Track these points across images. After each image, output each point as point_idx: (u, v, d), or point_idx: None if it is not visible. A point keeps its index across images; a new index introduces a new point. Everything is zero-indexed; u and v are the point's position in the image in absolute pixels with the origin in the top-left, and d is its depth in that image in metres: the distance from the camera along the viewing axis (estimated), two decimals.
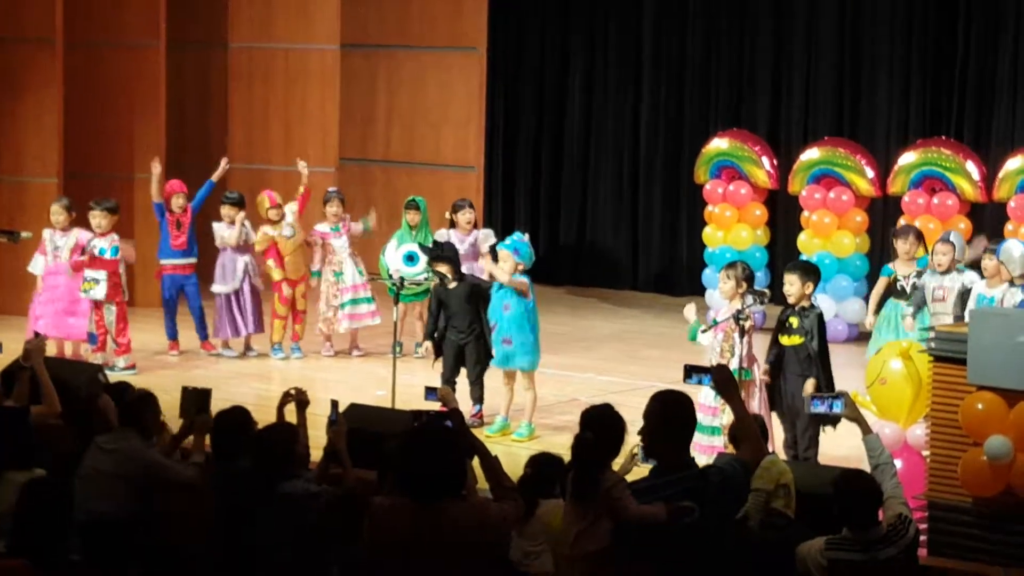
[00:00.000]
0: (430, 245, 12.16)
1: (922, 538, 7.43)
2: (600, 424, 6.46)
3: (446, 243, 12.22)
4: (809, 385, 9.68)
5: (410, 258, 13.62)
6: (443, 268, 11.57)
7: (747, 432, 6.41)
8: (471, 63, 17.62)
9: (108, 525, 7.38)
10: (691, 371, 7.19)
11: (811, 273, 10.00)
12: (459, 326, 11.47)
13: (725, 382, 6.50)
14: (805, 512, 7.32)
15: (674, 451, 6.14)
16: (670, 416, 6.15)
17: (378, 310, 13.95)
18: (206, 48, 17.54)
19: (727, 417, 9.73)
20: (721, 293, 10.29)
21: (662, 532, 5.95)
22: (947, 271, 11.48)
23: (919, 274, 11.87)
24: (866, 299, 14.55)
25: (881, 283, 12.57)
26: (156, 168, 13.83)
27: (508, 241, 11.43)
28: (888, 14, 16.54)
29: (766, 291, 10.28)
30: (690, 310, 10.20)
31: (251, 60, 17.65)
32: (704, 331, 10.00)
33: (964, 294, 11.22)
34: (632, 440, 6.53)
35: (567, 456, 6.42)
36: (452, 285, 11.53)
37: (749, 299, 9.85)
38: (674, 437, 6.15)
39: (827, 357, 9.80)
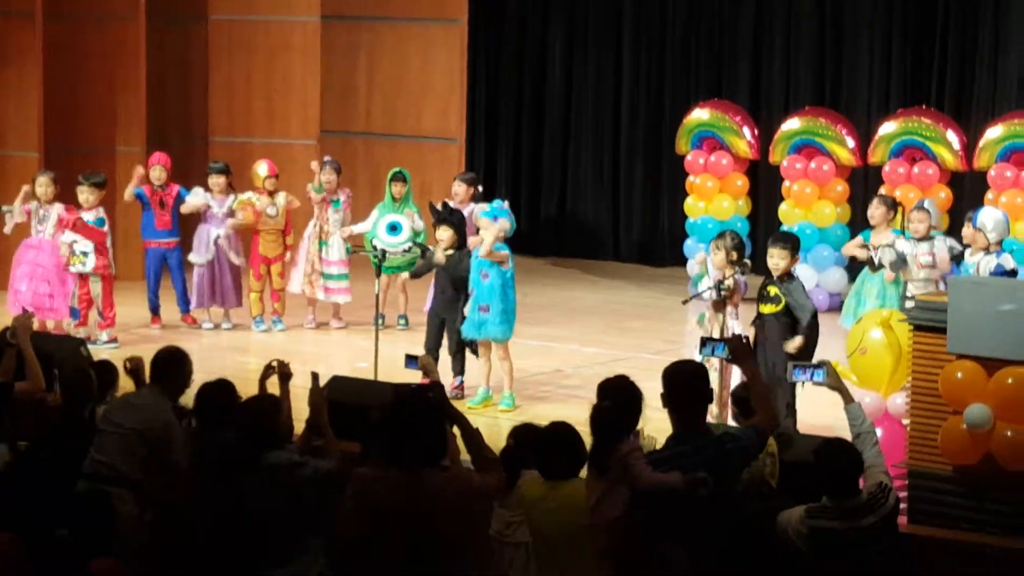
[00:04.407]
0: (439, 209, 12.10)
1: (902, 506, 7.49)
2: (617, 394, 6.54)
3: (456, 210, 12.22)
4: (796, 341, 9.69)
5: (392, 228, 13.60)
6: (445, 232, 11.54)
7: (762, 400, 6.55)
8: (452, 35, 17.57)
9: (107, 481, 7.41)
10: (705, 342, 7.37)
11: (797, 246, 10.06)
12: (445, 297, 11.49)
13: (740, 350, 6.74)
14: (786, 481, 7.36)
15: (690, 420, 6.31)
16: (691, 388, 6.31)
17: (349, 288, 13.91)
18: (187, 21, 17.47)
19: (717, 386, 9.83)
20: (712, 263, 10.32)
21: (677, 500, 6.05)
22: (924, 238, 11.50)
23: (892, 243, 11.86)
24: (847, 268, 14.63)
25: (857, 239, 12.63)
26: (139, 171, 13.75)
27: (488, 209, 11.45)
28: None
29: (747, 261, 10.32)
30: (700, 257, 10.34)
31: (232, 33, 17.58)
32: (685, 302, 10.09)
33: (957, 258, 11.24)
34: (651, 414, 6.61)
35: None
36: (439, 254, 11.49)
37: (729, 269, 9.90)
38: (689, 407, 6.33)
39: (816, 320, 9.81)
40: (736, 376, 9.74)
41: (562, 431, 6.50)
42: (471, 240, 11.77)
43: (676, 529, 6.16)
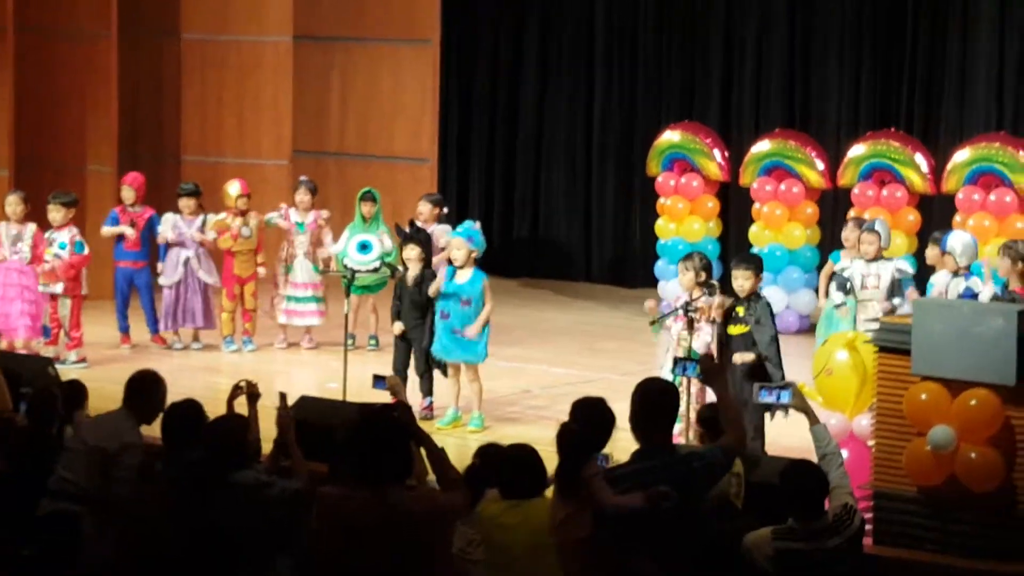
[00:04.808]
0: (407, 229, 12.17)
1: (868, 527, 7.52)
2: (587, 415, 6.56)
3: (422, 229, 12.26)
4: (746, 356, 9.75)
5: (363, 247, 13.62)
6: (412, 251, 11.57)
7: (731, 419, 6.57)
8: (424, 55, 17.62)
9: (71, 499, 7.40)
10: (677, 362, 7.38)
11: (761, 267, 10.15)
12: (411, 317, 11.51)
13: (711, 370, 6.80)
14: (753, 502, 7.39)
15: (657, 437, 6.31)
16: (654, 403, 6.32)
17: (324, 310, 13.91)
18: (159, 39, 17.49)
19: (682, 404, 9.87)
20: (680, 285, 10.37)
21: (641, 519, 6.06)
22: (874, 259, 11.55)
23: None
24: (816, 290, 14.68)
25: (828, 267, 12.69)
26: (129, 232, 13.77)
27: (460, 229, 11.47)
28: (838, 6, 16.65)
29: (715, 283, 10.37)
30: (651, 304, 10.35)
31: (204, 51, 17.60)
32: (653, 323, 10.12)
33: (895, 282, 11.30)
34: (621, 436, 6.62)
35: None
36: (411, 274, 11.52)
37: (697, 291, 9.95)
38: (657, 424, 6.33)
39: (777, 343, 9.88)
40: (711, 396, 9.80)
41: (522, 453, 6.52)
42: (435, 259, 11.79)
43: (643, 547, 6.17)
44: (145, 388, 7.87)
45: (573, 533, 6.17)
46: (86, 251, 13.11)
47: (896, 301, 11.06)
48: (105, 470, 7.62)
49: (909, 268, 11.70)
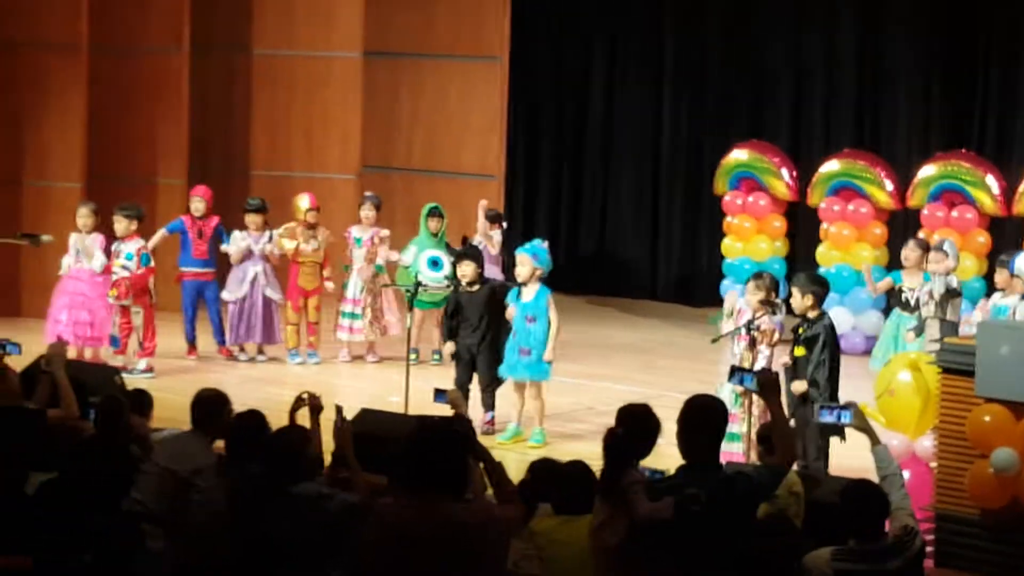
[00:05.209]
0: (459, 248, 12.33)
1: (928, 549, 7.47)
2: (633, 422, 6.55)
3: (473, 245, 12.36)
4: (797, 386, 9.72)
5: (434, 263, 13.68)
6: (467, 267, 11.63)
7: (783, 437, 6.53)
8: (493, 72, 17.67)
9: (143, 520, 7.45)
10: (735, 371, 7.37)
11: (812, 284, 10.07)
12: (474, 331, 11.54)
13: (768, 384, 6.74)
14: (812, 522, 7.35)
15: (701, 453, 6.27)
16: (701, 419, 6.30)
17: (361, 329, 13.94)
18: (229, 53, 17.63)
19: (745, 425, 9.85)
20: (747, 303, 10.34)
21: (672, 529, 6.04)
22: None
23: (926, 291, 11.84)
24: (884, 311, 14.59)
25: (887, 281, 12.65)
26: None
27: (528, 246, 11.49)
28: (908, 26, 16.56)
29: (778, 302, 10.33)
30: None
31: (274, 66, 17.72)
32: (715, 340, 10.14)
33: (945, 295, 11.22)
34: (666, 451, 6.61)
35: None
36: (474, 288, 11.58)
37: (760, 310, 9.93)
38: (704, 440, 6.29)
39: (835, 367, 9.81)
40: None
41: (575, 469, 6.52)
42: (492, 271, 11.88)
43: (672, 558, 6.16)
44: (213, 408, 7.88)
45: (607, 539, 6.17)
46: (152, 263, 13.24)
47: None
48: (176, 493, 7.62)
49: (954, 282, 11.57)
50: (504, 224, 14.21)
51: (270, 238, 13.85)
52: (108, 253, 13.24)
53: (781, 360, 10.00)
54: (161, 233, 13.97)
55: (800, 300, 9.91)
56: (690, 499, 6.02)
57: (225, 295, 13.90)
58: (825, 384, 9.76)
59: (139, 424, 8.30)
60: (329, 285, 13.95)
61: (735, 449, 9.75)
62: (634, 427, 6.49)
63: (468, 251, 12.03)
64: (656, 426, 6.58)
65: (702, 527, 6.06)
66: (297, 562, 6.88)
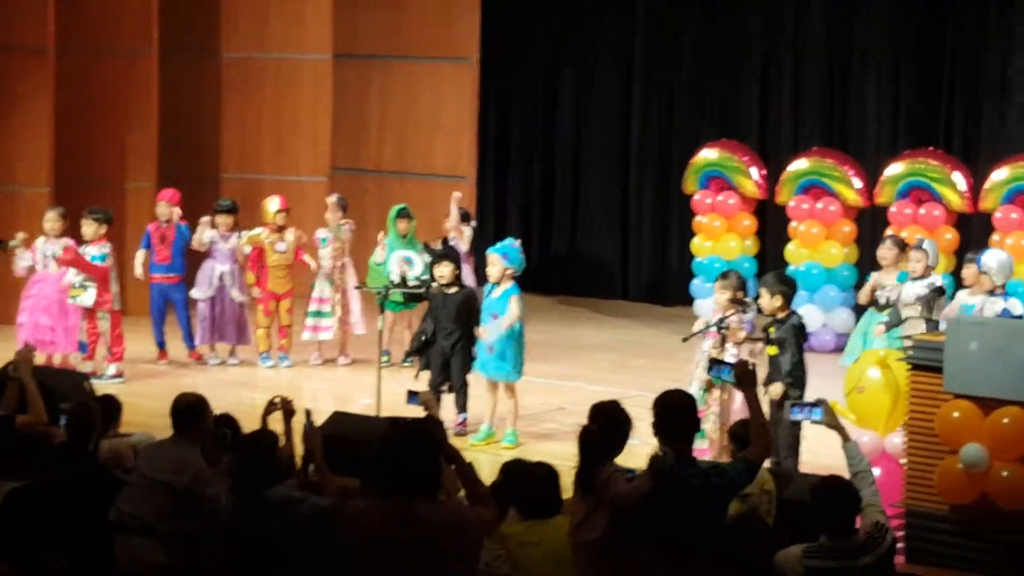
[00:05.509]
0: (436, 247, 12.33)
1: (899, 546, 7.50)
2: (606, 419, 6.59)
3: (452, 247, 12.36)
4: (775, 388, 9.75)
5: (407, 262, 13.67)
6: (445, 268, 11.62)
7: (757, 431, 6.57)
8: (463, 73, 17.69)
9: (140, 533, 7.39)
10: (713, 363, 7.46)
11: (780, 283, 10.07)
12: (447, 334, 11.53)
13: (746, 376, 6.78)
14: (784, 519, 7.38)
15: (676, 447, 6.35)
16: (673, 415, 6.38)
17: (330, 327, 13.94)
18: (199, 57, 17.59)
19: (710, 423, 9.91)
20: (716, 303, 10.37)
21: (650, 506, 6.07)
22: (921, 277, 11.53)
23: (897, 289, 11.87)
24: (854, 308, 14.63)
25: (869, 285, 12.65)
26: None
27: (499, 245, 11.49)
28: (876, 25, 16.61)
29: (748, 300, 10.36)
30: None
31: (244, 69, 17.70)
32: (685, 339, 10.17)
33: (930, 295, 11.26)
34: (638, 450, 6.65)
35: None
36: (451, 291, 11.57)
37: (730, 309, 9.97)
38: (677, 435, 6.37)
39: (801, 366, 9.83)
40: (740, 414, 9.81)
41: (540, 473, 6.57)
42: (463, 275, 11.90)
43: (651, 539, 6.22)
44: (195, 412, 7.80)
45: (587, 534, 6.20)
46: (107, 262, 13.06)
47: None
48: (175, 505, 7.52)
49: (939, 281, 11.63)
50: (473, 222, 14.21)
51: (239, 239, 13.81)
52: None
53: (749, 359, 10.03)
54: (140, 254, 13.89)
55: (769, 300, 9.94)
56: (659, 461, 6.09)
57: (194, 293, 13.85)
58: (800, 385, 9.81)
59: (114, 447, 8.17)
60: (308, 260, 13.84)
61: (700, 445, 9.78)
62: (606, 424, 6.55)
63: (446, 252, 12.01)
64: (627, 423, 6.63)
65: (679, 516, 6.12)
66: (269, 564, 6.88)
